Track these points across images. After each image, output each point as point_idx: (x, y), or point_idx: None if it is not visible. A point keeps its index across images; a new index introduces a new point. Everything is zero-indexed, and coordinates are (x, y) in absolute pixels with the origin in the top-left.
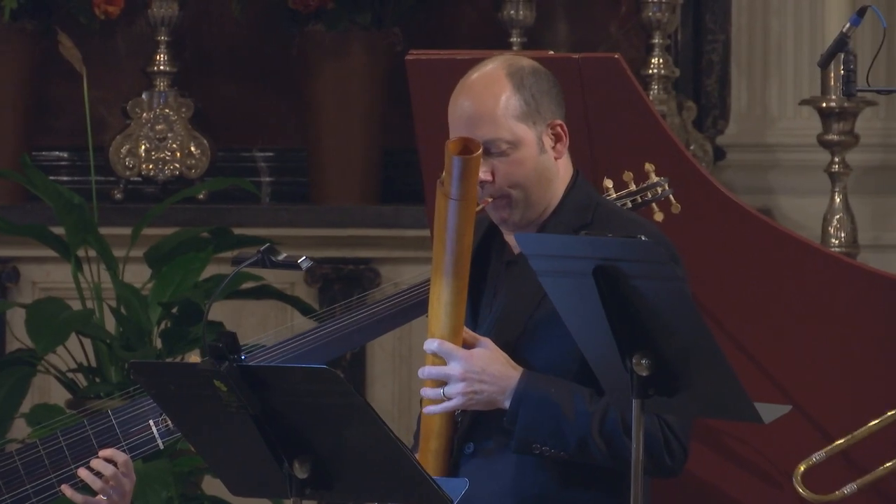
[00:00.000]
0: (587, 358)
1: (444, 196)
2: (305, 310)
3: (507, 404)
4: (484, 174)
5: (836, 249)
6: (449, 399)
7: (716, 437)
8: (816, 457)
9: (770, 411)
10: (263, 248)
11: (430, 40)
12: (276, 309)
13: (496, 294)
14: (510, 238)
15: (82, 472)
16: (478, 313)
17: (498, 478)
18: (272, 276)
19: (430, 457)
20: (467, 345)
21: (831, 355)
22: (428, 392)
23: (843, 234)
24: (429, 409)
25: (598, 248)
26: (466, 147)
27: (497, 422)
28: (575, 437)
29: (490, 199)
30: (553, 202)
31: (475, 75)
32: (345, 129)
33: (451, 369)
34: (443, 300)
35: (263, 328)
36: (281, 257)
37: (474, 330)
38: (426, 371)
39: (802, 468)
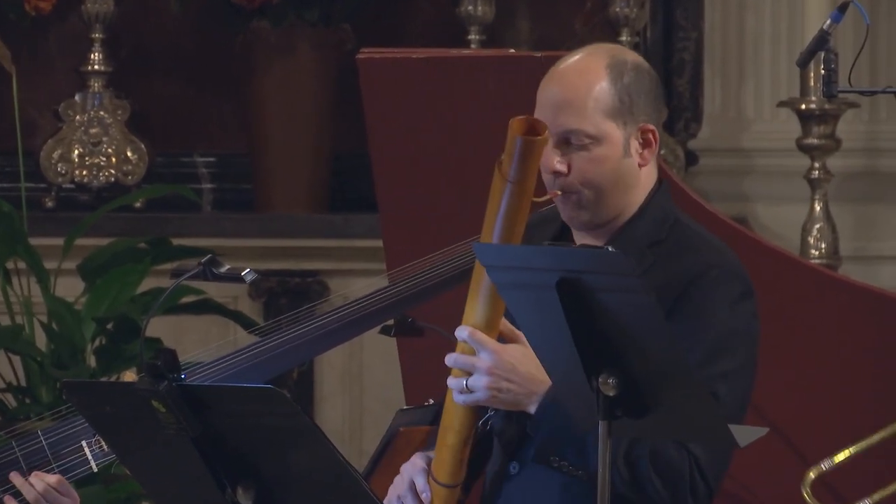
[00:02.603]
0: (550, 377)
1: (501, 178)
2: (249, 325)
3: (532, 409)
4: (560, 164)
5: (817, 261)
6: (471, 392)
7: None
8: (825, 464)
9: (745, 434)
10: (205, 259)
11: (382, 38)
12: (218, 324)
13: None
14: (581, 239)
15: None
16: None
17: (540, 502)
18: (214, 290)
19: (445, 452)
20: (504, 338)
21: (811, 373)
22: (451, 381)
23: (823, 245)
24: (456, 397)
25: (562, 259)
26: (533, 128)
27: None
28: (592, 458)
29: (559, 193)
30: (629, 210)
31: (572, 60)
32: (292, 132)
33: (480, 361)
34: (481, 287)
35: (205, 345)
36: (223, 269)
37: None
38: (453, 358)
39: (812, 475)
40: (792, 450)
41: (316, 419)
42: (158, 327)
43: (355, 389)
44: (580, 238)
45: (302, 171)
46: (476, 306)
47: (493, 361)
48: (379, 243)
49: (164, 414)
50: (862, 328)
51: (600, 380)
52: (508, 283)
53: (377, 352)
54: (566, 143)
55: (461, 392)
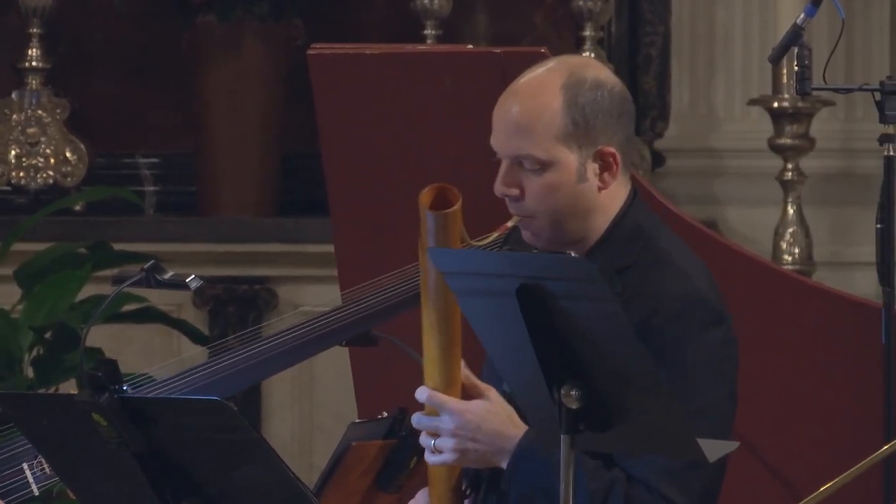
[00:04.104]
0: (510, 389)
1: (423, 250)
2: (194, 334)
3: (504, 465)
4: (510, 189)
5: (790, 267)
6: (440, 453)
7: None
8: None
9: (716, 448)
10: (147, 265)
11: (334, 33)
12: (161, 333)
13: None
14: None
15: None
16: None
17: None
18: (157, 297)
19: (435, 501)
20: (467, 392)
21: (785, 382)
22: (423, 440)
23: (796, 250)
24: (427, 457)
25: (523, 265)
26: (444, 196)
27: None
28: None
29: (511, 223)
30: (594, 234)
31: (529, 76)
32: (239, 131)
33: (443, 423)
34: (430, 354)
35: (147, 355)
36: (167, 276)
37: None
38: (416, 419)
39: None
40: (768, 460)
41: (264, 433)
42: (99, 336)
43: (305, 402)
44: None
45: (250, 172)
46: (431, 370)
47: (457, 423)
48: (331, 248)
49: (105, 428)
50: (837, 336)
51: (563, 392)
52: (467, 290)
53: (329, 363)
54: (519, 165)
55: (431, 452)
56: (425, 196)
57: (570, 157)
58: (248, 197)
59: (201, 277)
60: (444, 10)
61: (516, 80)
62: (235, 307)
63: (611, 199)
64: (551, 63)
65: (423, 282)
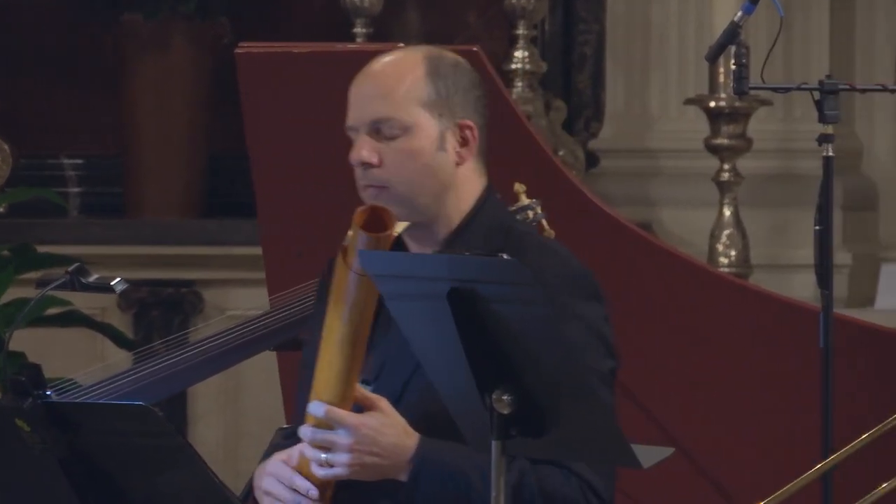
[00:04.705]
0: (441, 395)
1: (346, 266)
2: (118, 338)
3: (403, 478)
4: (369, 155)
5: (726, 269)
6: (331, 466)
7: None
8: None
9: (650, 454)
10: (72, 268)
11: (262, 31)
12: (85, 337)
13: (389, 327)
14: (414, 250)
15: None
16: (369, 350)
17: None
18: (81, 301)
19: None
20: (359, 404)
21: (720, 387)
22: (309, 452)
23: (733, 252)
24: (315, 470)
25: (454, 267)
26: (378, 218)
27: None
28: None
29: (369, 187)
30: (455, 218)
31: (386, 57)
32: (165, 132)
33: (339, 438)
34: (334, 368)
35: (71, 359)
36: (92, 279)
37: (366, 366)
38: (309, 433)
39: None
40: (704, 464)
41: (190, 439)
42: (22, 340)
43: (232, 408)
44: (414, 249)
45: (176, 173)
46: (328, 383)
47: (354, 438)
48: (258, 251)
49: (28, 433)
50: (774, 339)
51: (494, 397)
52: (397, 294)
53: (256, 368)
54: (377, 132)
55: (320, 465)
56: (359, 215)
57: (430, 123)
58: (173, 198)
59: (126, 280)
60: (374, 9)
61: (370, 64)
62: (161, 311)
63: (466, 181)
64: (401, 49)
65: (339, 294)
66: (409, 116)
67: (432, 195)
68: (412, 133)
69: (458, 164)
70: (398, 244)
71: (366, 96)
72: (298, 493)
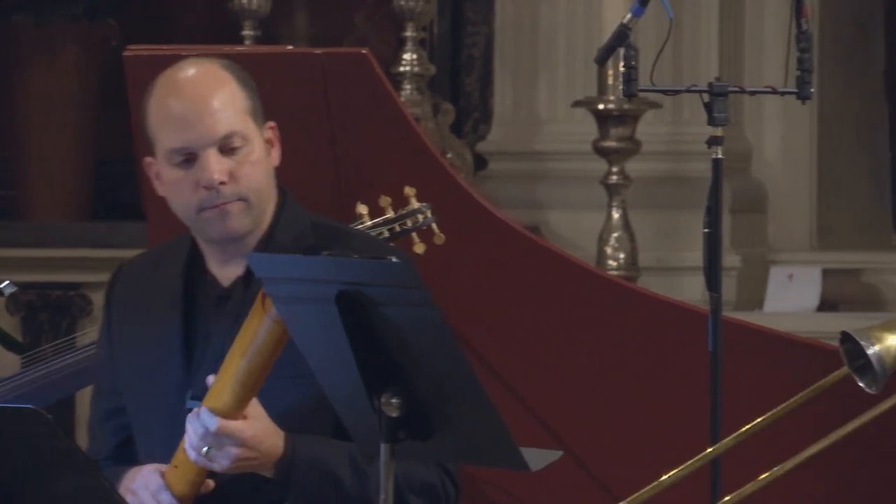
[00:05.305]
0: (331, 399)
1: (264, 309)
2: (7, 342)
3: (270, 475)
4: (221, 174)
5: (614, 272)
6: (209, 460)
7: (473, 485)
8: None
9: (539, 457)
10: None
11: (151, 34)
12: None
13: (210, 337)
14: (219, 270)
15: None
16: (192, 362)
17: None
18: None
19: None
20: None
21: (609, 390)
22: (190, 443)
23: (621, 255)
24: (191, 456)
25: (343, 270)
26: None
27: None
28: (357, 500)
29: (226, 204)
30: (264, 224)
31: (191, 71)
32: (52, 135)
33: (227, 444)
34: (223, 400)
35: None
36: None
37: (189, 379)
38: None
39: None
40: (593, 468)
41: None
42: None
43: None
44: (221, 264)
45: (63, 176)
46: (242, 387)
47: (241, 448)
48: None
49: None
50: (662, 342)
51: (383, 400)
52: (286, 297)
53: None
54: (222, 150)
55: (198, 454)
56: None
57: (256, 131)
58: (61, 201)
59: (14, 283)
60: (262, 11)
61: (171, 78)
62: (49, 314)
63: (274, 184)
64: (190, 60)
65: (248, 332)
66: (246, 127)
67: (265, 203)
68: (251, 143)
69: (275, 168)
70: (195, 264)
71: (203, 114)
72: None
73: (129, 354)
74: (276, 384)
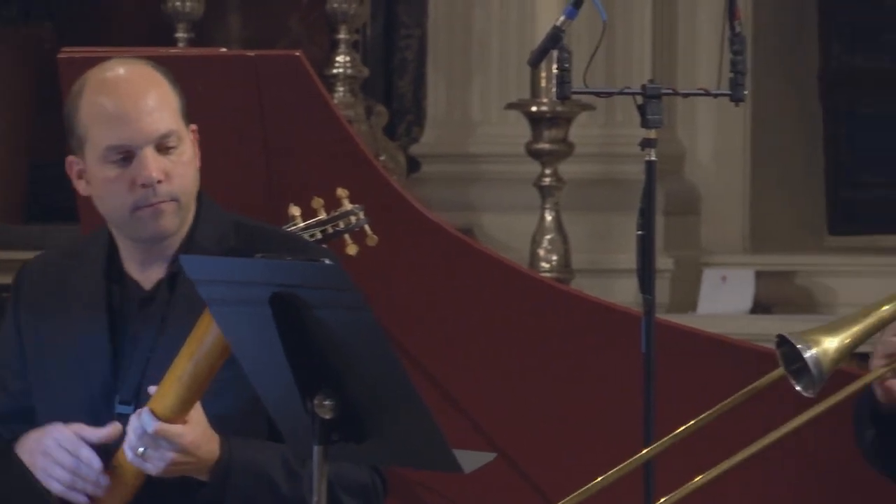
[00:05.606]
0: (264, 401)
1: (210, 315)
2: None
3: (205, 478)
4: (159, 172)
5: (547, 274)
6: (144, 461)
7: (407, 489)
8: None
9: (472, 459)
10: None
11: (86, 36)
12: None
13: (136, 340)
14: (139, 272)
15: None
16: (118, 367)
17: None
18: None
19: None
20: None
21: (541, 393)
22: (130, 444)
23: (554, 257)
24: (129, 455)
25: (276, 272)
26: None
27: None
28: (291, 501)
29: (160, 203)
30: (185, 226)
31: (122, 70)
32: None
33: (163, 447)
34: (165, 403)
35: None
36: None
37: (117, 383)
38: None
39: None
40: (526, 470)
41: None
42: None
43: None
44: (142, 266)
45: None
46: (185, 390)
47: (177, 452)
48: None
49: None
50: (595, 344)
51: (316, 401)
52: (219, 299)
53: None
54: (159, 148)
55: (134, 454)
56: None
57: (186, 131)
58: None
59: None
60: (196, 13)
61: (102, 77)
62: None
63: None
64: (116, 61)
65: (199, 335)
66: (179, 127)
67: (193, 203)
68: (184, 143)
69: (199, 168)
70: (112, 265)
71: (142, 112)
72: (81, 461)
73: (43, 356)
74: (213, 387)
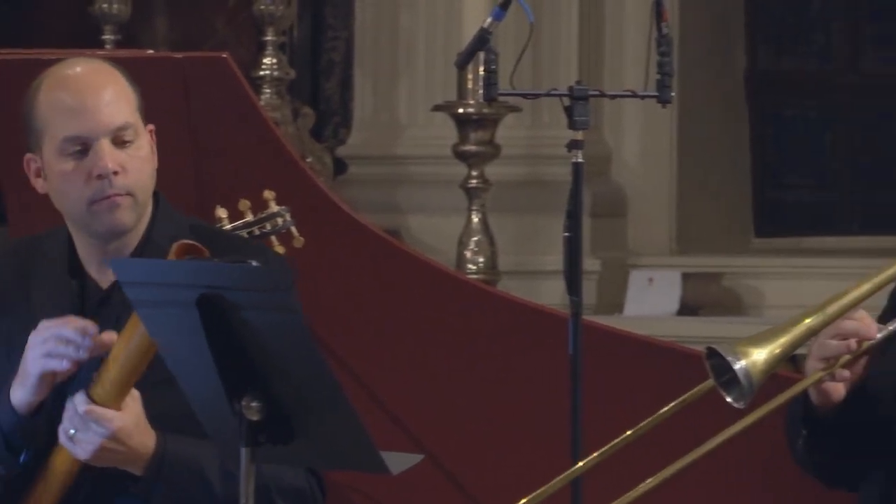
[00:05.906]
0: (191, 402)
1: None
2: None
3: (139, 472)
4: (114, 164)
5: (474, 276)
6: (74, 444)
7: (335, 490)
8: None
9: (399, 461)
10: None
11: (10, 38)
12: None
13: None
14: (97, 272)
15: None
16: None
17: None
18: None
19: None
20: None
21: (468, 395)
22: (64, 428)
23: (481, 259)
24: (62, 439)
25: (203, 274)
26: (192, 254)
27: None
28: (225, 501)
29: (116, 196)
30: (142, 226)
31: (79, 68)
32: None
33: (95, 429)
34: (102, 387)
35: None
36: None
37: (72, 386)
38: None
39: None
40: (454, 472)
41: None
42: None
43: None
44: (100, 265)
45: None
46: (124, 379)
47: (107, 436)
48: None
49: None
50: (522, 346)
51: (243, 403)
52: (146, 301)
53: None
54: (116, 142)
55: (65, 436)
56: (175, 252)
57: (143, 128)
58: None
59: None
60: (123, 15)
61: (61, 73)
62: None
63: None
64: (81, 59)
65: (126, 337)
66: (136, 122)
67: (149, 202)
68: (141, 138)
69: (156, 168)
70: (74, 268)
71: (99, 103)
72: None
73: (10, 348)
74: (152, 387)
